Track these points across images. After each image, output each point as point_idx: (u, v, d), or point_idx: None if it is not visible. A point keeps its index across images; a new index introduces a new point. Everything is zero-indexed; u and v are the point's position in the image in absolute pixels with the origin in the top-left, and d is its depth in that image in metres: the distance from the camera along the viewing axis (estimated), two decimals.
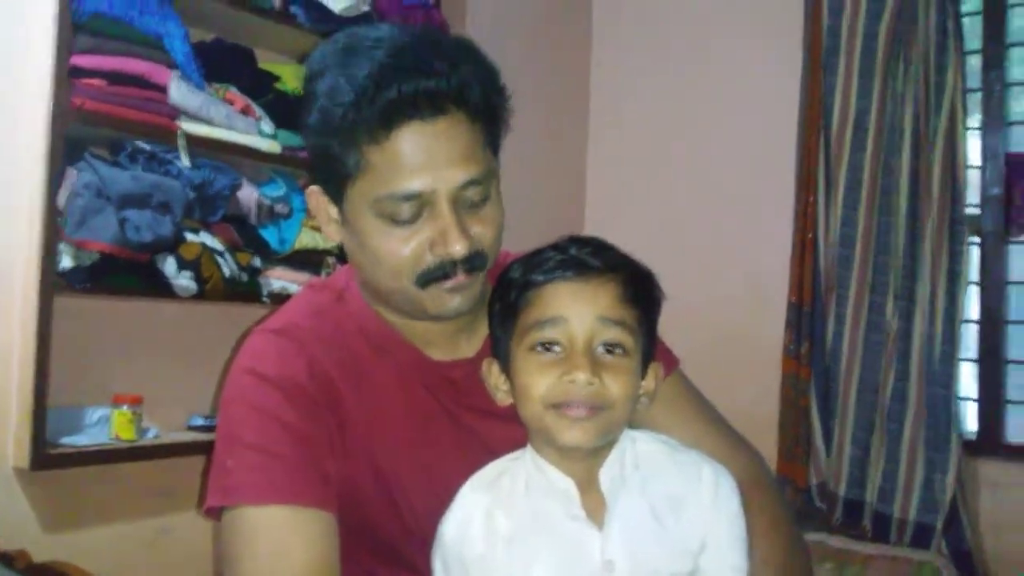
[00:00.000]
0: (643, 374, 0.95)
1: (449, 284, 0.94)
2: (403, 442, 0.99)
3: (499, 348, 0.97)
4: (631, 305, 0.92)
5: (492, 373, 0.97)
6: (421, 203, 0.91)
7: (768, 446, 2.84)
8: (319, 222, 1.02)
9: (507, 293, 0.95)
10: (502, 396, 0.96)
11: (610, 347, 0.90)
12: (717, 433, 1.09)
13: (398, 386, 1.00)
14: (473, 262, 0.93)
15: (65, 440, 1.90)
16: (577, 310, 0.90)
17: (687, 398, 1.11)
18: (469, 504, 0.93)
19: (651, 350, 0.97)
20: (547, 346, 0.90)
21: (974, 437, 2.67)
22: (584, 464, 0.91)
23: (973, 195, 2.68)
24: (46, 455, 1.81)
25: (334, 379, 0.97)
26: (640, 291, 0.94)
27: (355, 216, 0.94)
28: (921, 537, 2.54)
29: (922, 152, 2.62)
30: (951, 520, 2.51)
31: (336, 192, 0.96)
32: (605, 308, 0.90)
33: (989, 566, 2.56)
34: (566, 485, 0.91)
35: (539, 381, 0.89)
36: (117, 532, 2.06)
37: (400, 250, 0.92)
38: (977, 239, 2.68)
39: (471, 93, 0.91)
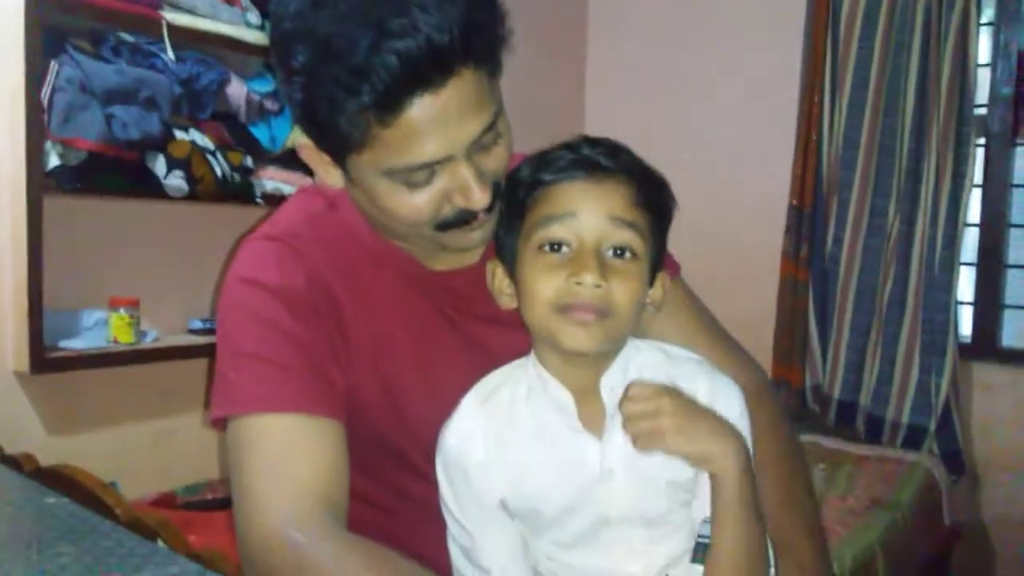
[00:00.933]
0: (651, 282, 0.92)
1: (471, 226, 0.91)
2: (405, 351, 0.97)
3: (504, 249, 0.93)
4: (643, 209, 0.88)
5: (496, 276, 0.94)
6: (439, 167, 0.86)
7: (764, 348, 2.87)
8: (319, 172, 0.94)
9: (515, 191, 0.91)
10: (506, 300, 0.93)
11: (619, 250, 0.87)
12: (721, 345, 1.07)
13: (397, 295, 0.97)
14: (492, 203, 0.89)
15: (63, 343, 1.89)
16: (588, 208, 0.86)
17: (691, 309, 1.09)
18: (470, 414, 0.92)
19: (660, 258, 0.93)
20: (555, 246, 0.87)
21: (969, 341, 2.69)
22: (587, 371, 0.89)
23: (982, 95, 2.61)
24: (46, 359, 1.80)
25: (333, 287, 0.95)
26: (652, 196, 0.90)
27: (362, 179, 0.89)
28: (913, 438, 2.60)
29: (932, 50, 2.54)
30: (943, 422, 2.55)
31: (338, 156, 0.89)
32: (617, 208, 0.86)
33: (977, 465, 2.63)
34: (565, 398, 0.89)
35: (545, 282, 0.86)
36: (120, 434, 2.08)
37: (418, 206, 0.88)
38: (983, 140, 2.63)
39: (476, 41, 0.81)
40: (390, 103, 0.79)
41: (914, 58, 2.58)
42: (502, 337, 0.98)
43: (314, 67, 0.80)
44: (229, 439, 0.91)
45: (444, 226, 0.90)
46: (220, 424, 0.93)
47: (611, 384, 0.89)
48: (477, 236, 0.92)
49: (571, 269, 0.85)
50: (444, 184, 0.86)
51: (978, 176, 2.62)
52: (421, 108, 0.80)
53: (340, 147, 0.86)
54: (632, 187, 0.88)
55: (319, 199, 1.00)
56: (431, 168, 0.85)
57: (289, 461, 0.87)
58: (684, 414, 0.83)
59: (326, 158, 0.90)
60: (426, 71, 0.79)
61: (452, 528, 0.93)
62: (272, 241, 0.95)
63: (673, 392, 0.85)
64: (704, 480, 0.86)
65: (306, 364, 0.90)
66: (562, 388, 0.90)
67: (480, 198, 0.86)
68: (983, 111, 2.63)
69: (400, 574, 0.84)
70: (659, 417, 0.82)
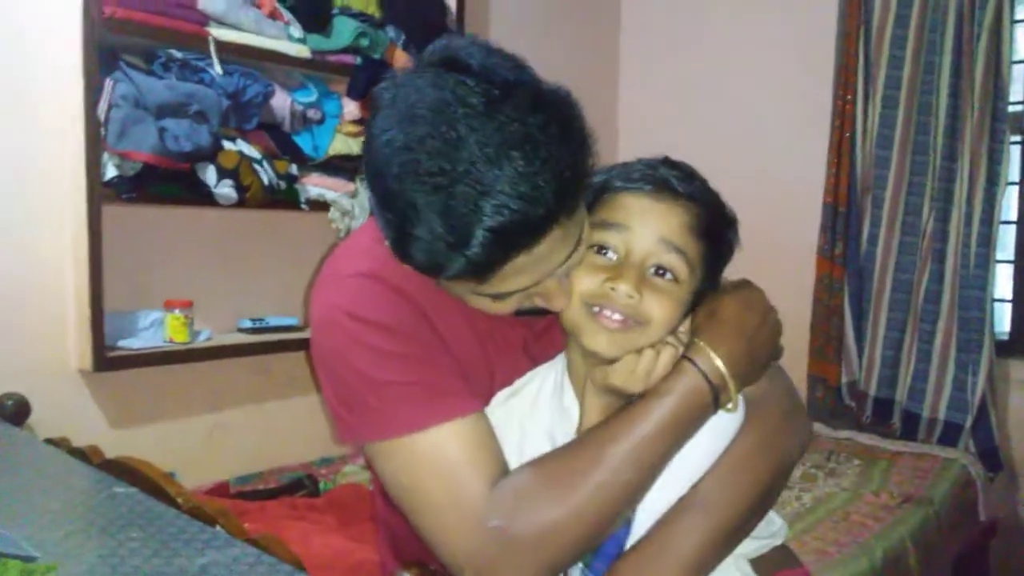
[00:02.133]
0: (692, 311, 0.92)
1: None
2: (483, 377, 1.00)
3: None
4: (698, 238, 0.90)
5: None
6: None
7: (800, 346, 2.89)
8: None
9: (588, 189, 0.92)
10: None
11: (661, 270, 0.89)
12: None
13: (465, 318, 0.98)
14: None
15: (123, 343, 2.00)
16: (642, 224, 0.89)
17: None
18: (494, 408, 0.97)
19: (709, 288, 0.94)
20: (602, 249, 0.90)
21: (1007, 338, 2.68)
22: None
23: (1016, 92, 2.60)
24: (107, 358, 1.91)
25: (430, 318, 0.97)
26: (714, 228, 0.92)
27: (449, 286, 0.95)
28: (949, 435, 2.60)
29: (964, 48, 2.54)
30: (979, 419, 2.55)
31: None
32: (669, 232, 0.88)
33: (1015, 463, 2.62)
34: (570, 404, 0.94)
35: (583, 279, 0.89)
36: (176, 427, 2.18)
37: (500, 310, 0.92)
38: (1018, 138, 2.62)
39: (568, 200, 0.82)
40: (486, 269, 0.82)
41: (947, 56, 2.58)
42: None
43: (413, 224, 0.80)
44: (392, 461, 0.92)
45: (519, 313, 0.94)
46: (349, 442, 0.97)
47: None
48: None
49: (610, 275, 0.88)
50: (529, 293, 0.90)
51: (1014, 173, 2.60)
52: (516, 262, 0.83)
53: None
54: (693, 215, 0.90)
55: None
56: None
57: (474, 461, 0.89)
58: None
59: None
60: (522, 239, 0.80)
61: None
62: (371, 280, 0.95)
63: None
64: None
65: (442, 370, 0.93)
66: (573, 397, 0.94)
67: (561, 304, 0.90)
68: (1018, 108, 2.62)
69: (599, 457, 0.86)
70: (635, 381, 0.88)
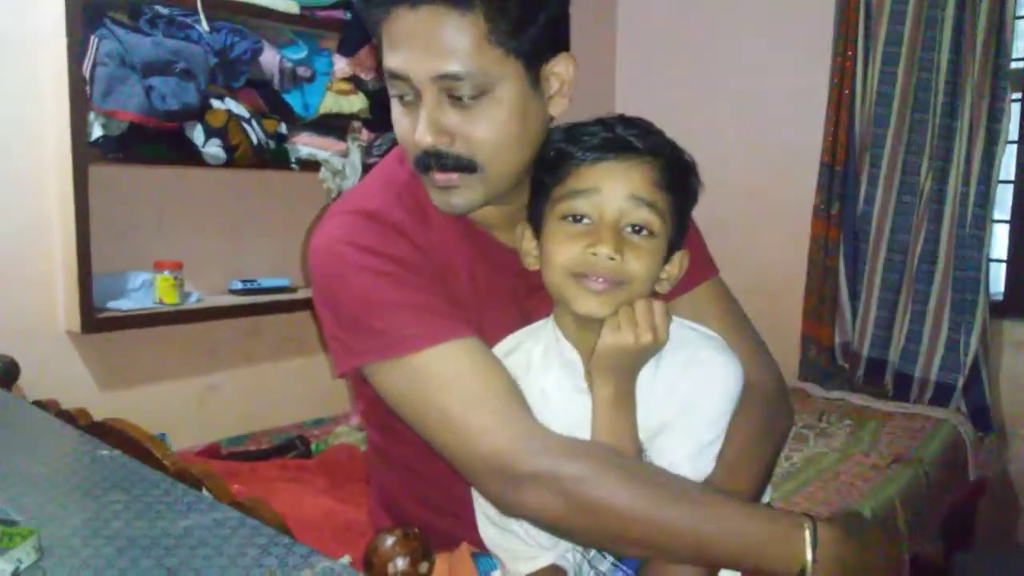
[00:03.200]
0: (668, 259, 0.96)
1: (435, 179, 0.94)
2: (471, 317, 1.00)
3: (533, 214, 0.98)
4: (665, 190, 0.92)
5: (525, 238, 0.98)
6: (410, 88, 0.91)
7: (794, 307, 2.89)
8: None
9: (547, 161, 0.96)
10: (531, 261, 0.98)
11: (637, 227, 0.91)
12: (745, 345, 1.05)
13: (462, 262, 1.01)
14: (445, 161, 0.92)
15: (112, 304, 1.99)
16: (610, 186, 0.90)
17: (721, 306, 1.10)
18: None
19: (680, 238, 0.97)
20: (576, 217, 0.91)
21: (1001, 298, 2.67)
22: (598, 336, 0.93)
23: (1019, 48, 2.56)
24: (95, 319, 1.91)
25: (425, 255, 0.98)
26: (677, 178, 0.94)
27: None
28: (941, 396, 2.60)
29: (967, 2, 2.49)
30: (971, 380, 2.56)
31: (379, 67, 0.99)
32: (638, 189, 0.91)
33: (1005, 421, 2.63)
34: (572, 357, 0.95)
35: (564, 249, 0.91)
36: (167, 389, 2.19)
37: (402, 132, 0.95)
38: (1019, 95, 2.59)
39: None
40: (380, 4, 0.90)
41: (949, 10, 2.53)
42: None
43: None
44: (399, 380, 0.92)
45: (418, 168, 0.95)
46: (350, 373, 0.97)
47: None
48: (445, 200, 0.96)
49: (589, 240, 0.90)
50: (416, 116, 0.91)
51: (1013, 132, 2.57)
52: (397, 18, 0.89)
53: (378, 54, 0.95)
54: (657, 169, 0.92)
55: (401, 170, 1.03)
56: (404, 84, 0.91)
57: (488, 375, 0.91)
58: (629, 353, 0.90)
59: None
60: None
61: None
62: (370, 219, 0.97)
63: (658, 340, 0.91)
64: (671, 427, 0.93)
65: (442, 300, 0.95)
66: (572, 348, 0.95)
67: (422, 138, 0.90)
68: (1020, 65, 2.58)
69: (682, 506, 0.85)
70: (634, 330, 0.90)
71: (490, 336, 0.99)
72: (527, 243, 0.98)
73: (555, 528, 0.89)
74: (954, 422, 2.48)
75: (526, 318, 1.03)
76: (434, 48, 0.87)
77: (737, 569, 0.89)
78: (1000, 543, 2.60)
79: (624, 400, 0.92)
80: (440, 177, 0.93)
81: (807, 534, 0.83)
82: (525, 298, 1.03)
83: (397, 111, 0.95)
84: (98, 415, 1.46)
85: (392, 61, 0.90)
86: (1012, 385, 2.63)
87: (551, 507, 0.85)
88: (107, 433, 1.29)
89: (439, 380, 0.90)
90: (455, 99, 0.90)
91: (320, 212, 2.41)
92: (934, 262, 2.62)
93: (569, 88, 0.97)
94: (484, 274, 1.02)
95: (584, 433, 0.93)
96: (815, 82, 2.84)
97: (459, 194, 0.95)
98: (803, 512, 0.88)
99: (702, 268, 1.09)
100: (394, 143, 2.64)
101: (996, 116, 2.49)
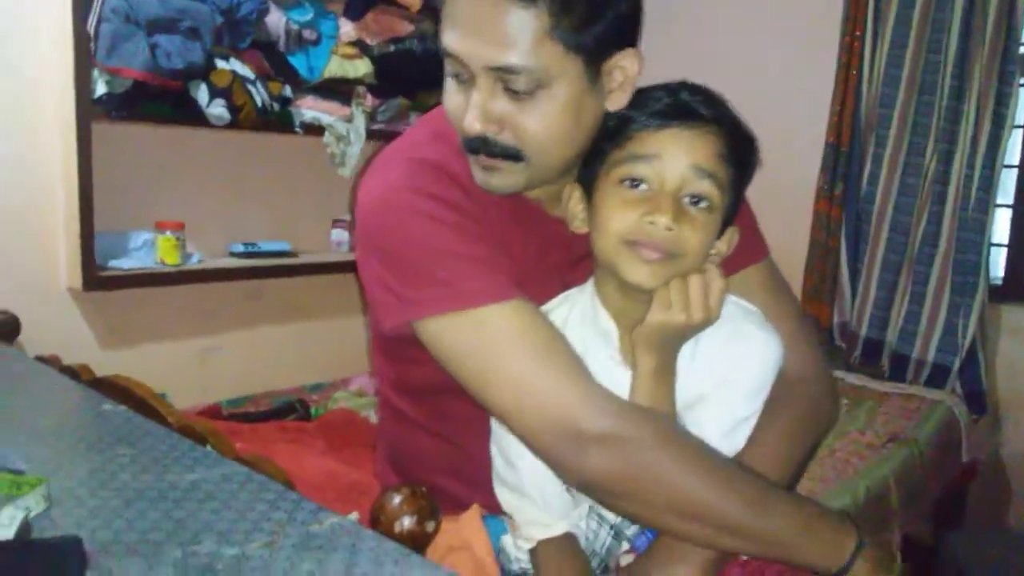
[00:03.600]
0: (720, 234, 0.93)
1: (480, 160, 0.91)
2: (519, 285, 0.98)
3: (586, 176, 0.94)
4: (727, 163, 0.89)
5: (573, 198, 0.95)
6: (464, 68, 0.88)
7: (794, 284, 2.88)
8: None
9: (608, 122, 0.93)
10: (579, 224, 0.95)
11: (696, 199, 0.88)
12: (785, 328, 1.00)
13: (519, 236, 0.99)
14: (492, 148, 0.89)
15: (113, 263, 1.98)
16: (673, 153, 0.87)
17: (769, 290, 1.06)
18: None
19: (734, 214, 0.94)
20: (635, 182, 0.88)
21: (1000, 283, 2.68)
22: (641, 306, 0.92)
23: None
24: (97, 277, 1.90)
25: (480, 206, 0.97)
26: (740, 151, 0.91)
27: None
28: (937, 377, 2.61)
29: None
30: (967, 362, 2.57)
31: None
32: (701, 158, 0.88)
33: (1000, 405, 2.65)
34: (610, 328, 0.94)
35: (620, 215, 0.88)
36: (168, 349, 2.19)
37: (452, 108, 0.92)
38: None
39: None
40: None
41: None
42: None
43: None
44: (459, 334, 0.90)
45: (466, 148, 0.92)
46: (400, 327, 0.94)
47: None
48: (487, 179, 0.93)
49: (647, 208, 0.87)
50: (469, 97, 0.89)
51: (1020, 117, 2.56)
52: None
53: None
54: (720, 139, 0.89)
55: (451, 127, 0.99)
56: (458, 63, 0.88)
57: (554, 346, 0.89)
58: (678, 329, 0.89)
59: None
60: None
61: (497, 434, 1.00)
62: (431, 167, 0.95)
63: (710, 319, 0.90)
64: (708, 400, 0.93)
65: (501, 257, 0.93)
66: (609, 319, 0.94)
67: (468, 123, 0.88)
68: None
69: (734, 486, 0.85)
70: (686, 309, 0.88)
71: (535, 301, 0.97)
72: (575, 204, 0.95)
73: (612, 493, 0.87)
74: (949, 404, 2.49)
75: (567, 289, 1.01)
76: (494, 37, 0.84)
77: (774, 561, 0.90)
78: (990, 525, 2.63)
79: (666, 373, 0.91)
80: (487, 161, 0.91)
81: (853, 542, 0.85)
82: (568, 270, 1.02)
83: (450, 86, 0.92)
84: (98, 373, 1.46)
85: (449, 40, 0.88)
86: (1008, 369, 2.64)
87: (614, 470, 0.84)
88: (110, 389, 1.29)
89: (504, 337, 0.88)
90: (509, 91, 0.87)
91: (321, 177, 2.39)
92: (936, 244, 2.62)
93: (632, 84, 0.94)
94: (532, 243, 1.00)
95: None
96: (823, 61, 2.82)
97: (500, 177, 0.92)
98: (842, 511, 0.89)
99: (753, 249, 1.07)
100: (399, 110, 2.60)
101: (1003, 100, 2.48)
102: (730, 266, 0.98)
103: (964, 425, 2.48)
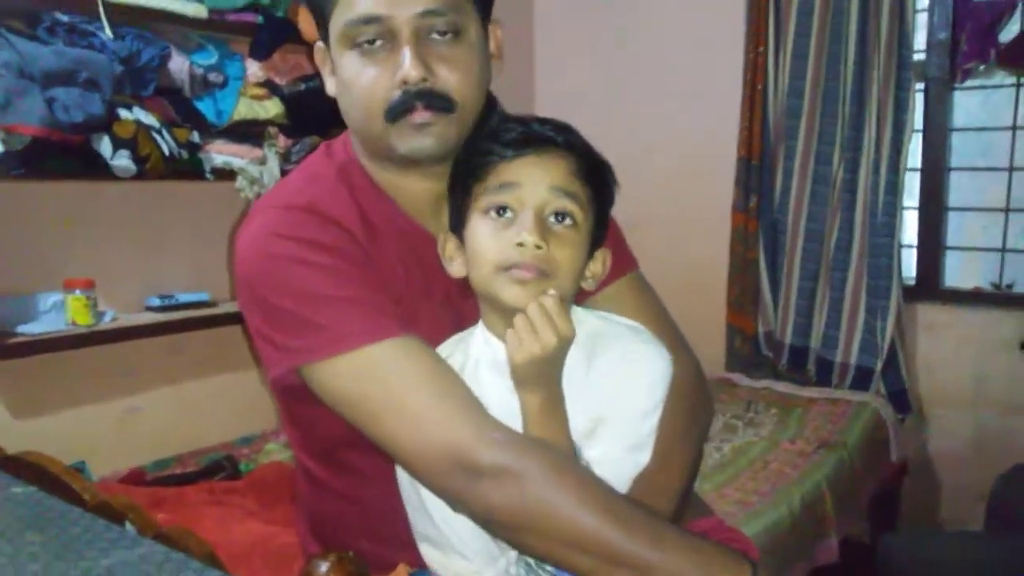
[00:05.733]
0: (590, 256, 0.98)
1: (414, 119, 0.94)
2: (411, 319, 0.98)
3: (455, 216, 0.98)
4: (584, 182, 0.94)
5: (447, 246, 0.98)
6: (384, 31, 0.92)
7: (718, 298, 2.95)
8: (324, 79, 1.03)
9: (468, 159, 0.97)
10: (456, 268, 0.97)
11: (560, 215, 0.92)
12: (661, 335, 1.04)
13: (399, 261, 1.00)
14: (431, 98, 0.93)
15: (22, 328, 1.89)
16: (532, 179, 0.92)
17: (642, 299, 1.11)
18: None
19: (601, 236, 0.99)
20: (500, 210, 0.92)
21: (913, 282, 2.78)
22: None
23: (920, 40, 2.66)
24: (4, 345, 1.81)
25: (364, 251, 0.97)
26: (594, 172, 0.96)
27: (336, 55, 0.97)
28: (861, 380, 2.69)
29: None
30: (889, 363, 2.65)
31: (325, 36, 0.99)
32: (558, 180, 0.92)
33: (923, 403, 2.74)
34: (503, 357, 0.94)
35: (490, 244, 0.92)
36: (86, 414, 2.09)
37: (369, 82, 0.94)
38: (921, 85, 2.69)
39: None
40: None
41: (854, 3, 2.61)
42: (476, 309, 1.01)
43: None
44: (345, 378, 0.90)
45: (393, 115, 0.94)
46: (284, 378, 0.94)
47: None
48: (423, 141, 0.95)
49: (514, 231, 0.91)
50: (392, 62, 0.93)
51: (919, 122, 2.67)
52: None
53: (322, 14, 0.97)
54: (574, 161, 0.94)
55: (330, 166, 1.03)
56: (379, 27, 0.92)
57: (443, 380, 0.90)
58: (542, 360, 0.89)
59: (324, 52, 1.01)
60: None
61: (407, 489, 0.98)
62: (304, 211, 0.96)
63: (562, 337, 0.89)
64: (609, 421, 0.94)
65: (383, 295, 0.93)
66: (503, 349, 0.94)
67: (413, 72, 0.91)
68: (922, 56, 2.68)
69: (627, 520, 0.85)
70: (536, 337, 0.88)
71: (427, 334, 0.97)
72: (450, 250, 0.98)
73: (507, 526, 0.87)
74: (875, 405, 2.56)
75: (460, 322, 1.02)
76: None
77: None
78: (925, 522, 2.71)
79: (553, 406, 0.92)
80: (424, 115, 0.94)
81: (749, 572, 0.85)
82: (460, 301, 1.02)
83: (359, 63, 0.94)
84: (12, 445, 1.38)
85: (365, 5, 0.92)
86: (927, 367, 2.74)
87: (509, 502, 0.84)
88: (21, 467, 1.22)
89: (390, 374, 0.89)
90: (434, 37, 0.93)
91: (241, 215, 2.34)
92: (849, 250, 2.71)
93: (500, 53, 1.03)
94: (419, 272, 1.01)
95: (517, 424, 0.92)
96: (729, 77, 2.90)
97: (435, 133, 0.95)
98: (735, 549, 0.90)
99: (622, 262, 1.10)
100: (312, 149, 2.56)
101: (902, 106, 2.58)
102: (604, 280, 1.02)
103: (891, 425, 2.55)
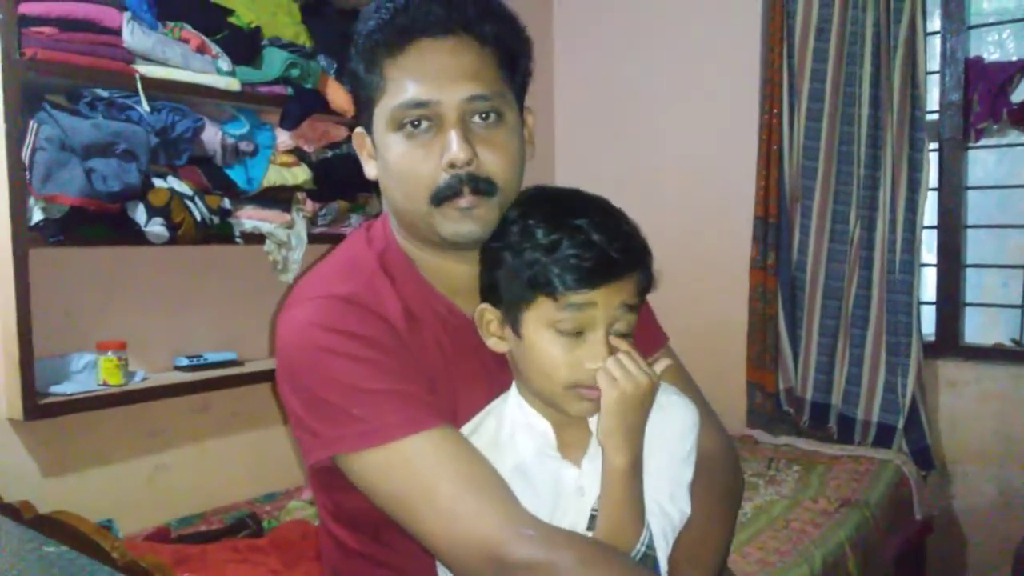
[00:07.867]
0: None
1: (461, 203, 0.95)
2: (449, 401, 1.01)
3: (508, 310, 0.97)
4: (642, 294, 0.97)
5: (490, 324, 0.99)
6: (432, 115, 0.95)
7: (738, 354, 2.96)
8: (363, 163, 1.06)
9: (531, 264, 0.94)
10: (495, 343, 0.99)
11: (622, 333, 0.94)
12: (697, 404, 1.06)
13: (437, 347, 1.02)
14: (476, 182, 0.95)
15: (54, 389, 1.95)
16: (607, 301, 0.92)
17: (674, 371, 1.12)
18: None
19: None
20: (573, 330, 0.93)
21: (933, 339, 2.78)
22: None
23: (932, 101, 2.71)
24: (38, 405, 1.87)
25: (403, 342, 0.99)
26: (651, 283, 0.99)
27: (380, 138, 1.00)
28: (883, 437, 2.68)
29: (883, 60, 2.63)
30: (911, 419, 2.63)
31: (368, 121, 1.02)
32: (628, 297, 0.94)
33: (946, 459, 2.71)
34: (543, 427, 0.97)
35: (561, 361, 0.93)
36: (114, 472, 2.14)
37: (415, 165, 0.96)
38: (935, 145, 2.72)
39: (482, 23, 0.97)
40: (396, 38, 0.95)
41: (866, 67, 2.67)
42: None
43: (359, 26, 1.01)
44: (379, 468, 0.91)
45: (439, 199, 0.96)
46: (321, 464, 0.96)
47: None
48: (468, 226, 0.96)
49: (586, 355, 0.93)
50: (438, 146, 0.95)
51: (933, 180, 2.70)
52: (421, 49, 0.95)
53: (366, 101, 1.00)
54: (641, 278, 0.96)
55: (370, 252, 1.05)
56: (426, 111, 0.95)
57: (476, 472, 0.90)
58: (633, 401, 0.91)
59: (364, 136, 1.04)
60: (431, 21, 0.94)
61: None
62: (346, 303, 0.97)
63: (649, 384, 0.92)
64: (646, 472, 0.95)
65: (421, 385, 0.95)
66: (542, 418, 0.98)
67: (461, 154, 0.93)
68: (935, 117, 2.72)
69: None
70: (626, 385, 0.90)
71: (464, 413, 1.00)
72: (494, 327, 0.99)
73: None
74: (898, 462, 2.54)
75: (496, 393, 1.03)
76: (463, 74, 0.95)
77: None
78: None
79: (639, 466, 0.93)
80: (469, 199, 0.96)
81: None
82: (497, 371, 1.04)
83: (405, 146, 0.96)
84: (43, 503, 1.43)
85: (416, 92, 0.95)
86: (950, 423, 2.72)
87: None
88: (52, 527, 1.26)
89: (425, 467, 0.90)
90: (477, 122, 0.96)
91: (282, 297, 2.41)
92: (868, 307, 2.72)
93: (532, 138, 1.06)
94: (457, 355, 1.02)
95: (567, 503, 0.94)
96: (745, 140, 2.95)
97: (479, 217, 0.97)
98: None
99: (654, 336, 1.14)
100: (338, 213, 2.63)
101: (916, 166, 2.62)
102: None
103: (914, 483, 2.53)
